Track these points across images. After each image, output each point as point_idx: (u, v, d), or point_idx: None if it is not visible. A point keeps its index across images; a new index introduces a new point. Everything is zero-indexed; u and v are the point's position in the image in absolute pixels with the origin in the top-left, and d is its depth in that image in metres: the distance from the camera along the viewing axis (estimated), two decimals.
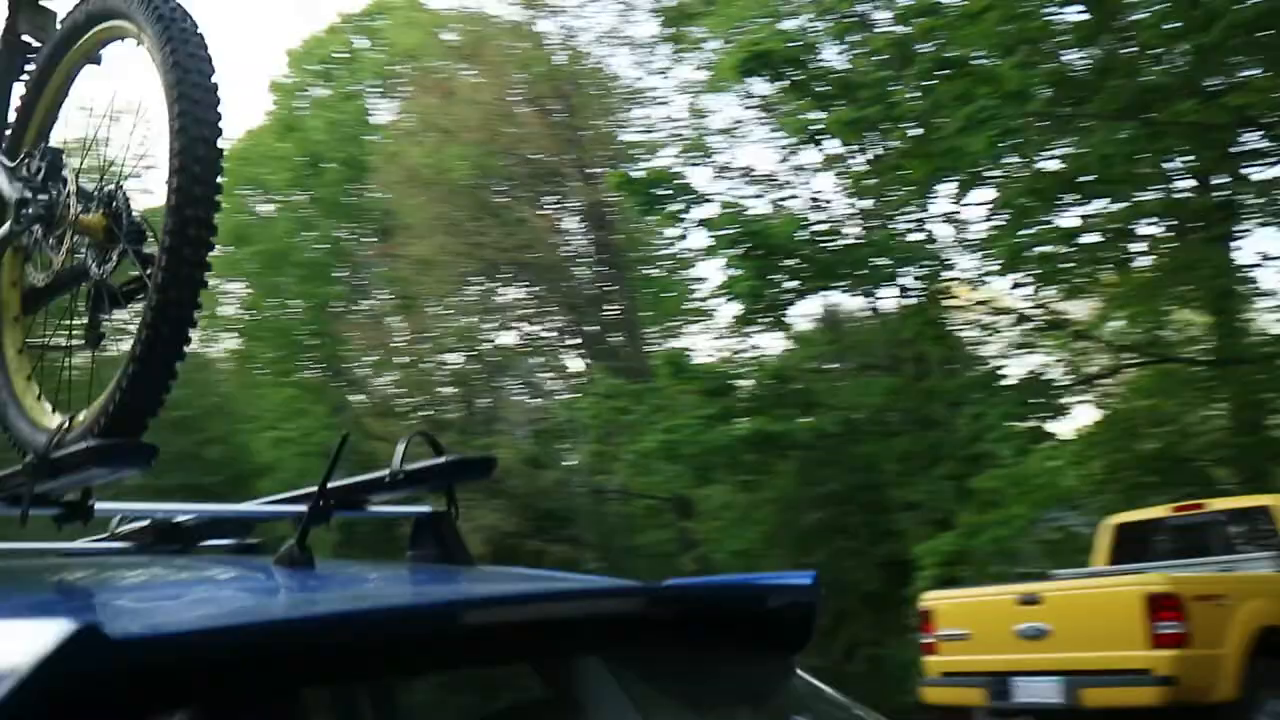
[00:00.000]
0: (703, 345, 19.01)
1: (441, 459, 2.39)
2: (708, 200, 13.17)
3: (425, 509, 2.50)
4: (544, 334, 22.04)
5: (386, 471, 2.38)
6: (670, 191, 12.83)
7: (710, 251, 13.54)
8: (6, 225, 2.33)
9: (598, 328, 21.16)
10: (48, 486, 2.04)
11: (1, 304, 2.40)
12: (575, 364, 21.96)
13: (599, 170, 19.05)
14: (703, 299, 18.89)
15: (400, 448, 2.37)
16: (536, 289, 21.35)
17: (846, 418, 13.60)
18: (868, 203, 16.07)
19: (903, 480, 13.64)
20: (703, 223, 12.78)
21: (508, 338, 22.46)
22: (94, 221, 2.13)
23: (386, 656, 1.48)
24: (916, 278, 13.84)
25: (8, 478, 2.11)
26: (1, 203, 2.35)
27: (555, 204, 20.61)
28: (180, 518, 2.40)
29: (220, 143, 1.99)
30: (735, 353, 16.24)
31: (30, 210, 2.23)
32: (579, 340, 21.65)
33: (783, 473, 15.26)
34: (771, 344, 16.71)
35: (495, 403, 22.55)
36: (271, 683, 1.36)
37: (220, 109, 2.01)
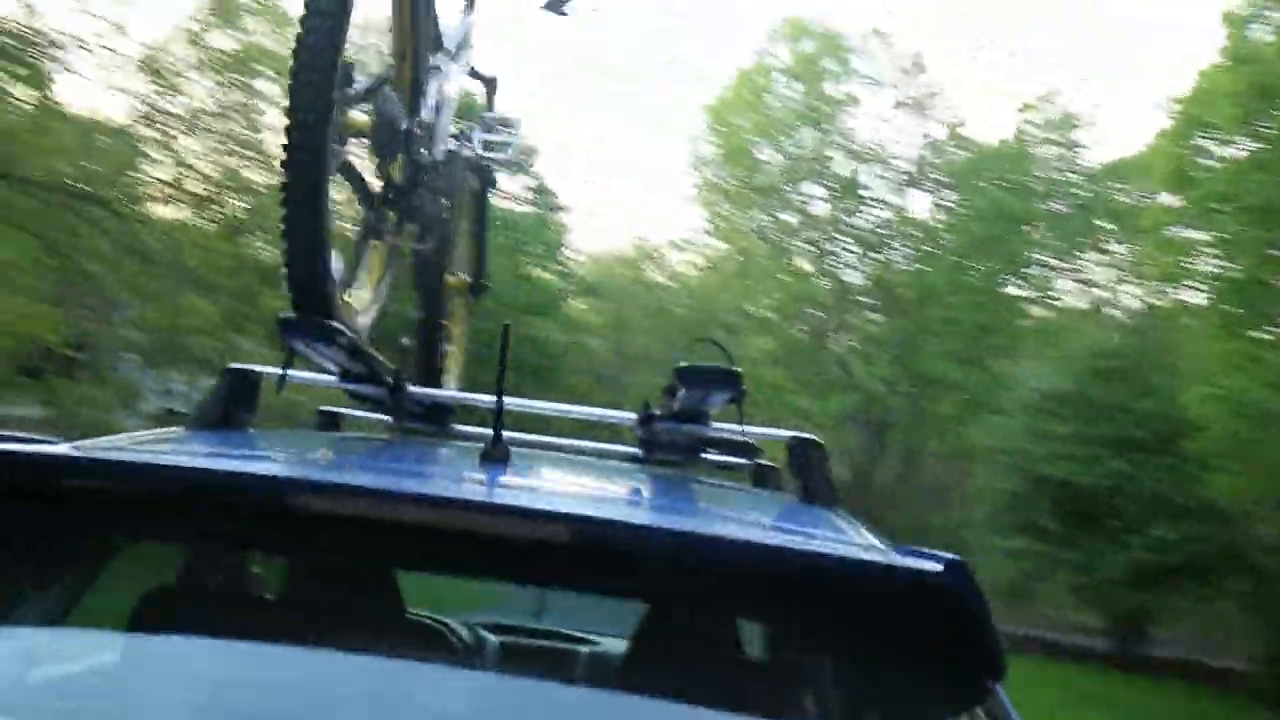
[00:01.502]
0: None
1: (688, 364, 2.36)
2: None
3: (794, 434, 2.48)
4: None
5: (670, 385, 2.48)
6: None
7: None
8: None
9: None
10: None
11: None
12: None
13: None
14: None
15: (681, 357, 2.49)
16: None
17: None
18: None
19: None
20: None
21: None
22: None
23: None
24: None
25: None
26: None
27: None
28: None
29: (330, 33, 2.23)
30: None
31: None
32: None
33: None
34: None
35: None
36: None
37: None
